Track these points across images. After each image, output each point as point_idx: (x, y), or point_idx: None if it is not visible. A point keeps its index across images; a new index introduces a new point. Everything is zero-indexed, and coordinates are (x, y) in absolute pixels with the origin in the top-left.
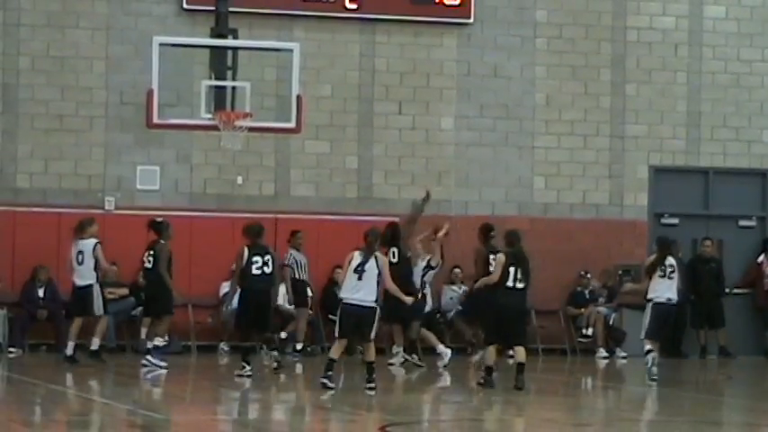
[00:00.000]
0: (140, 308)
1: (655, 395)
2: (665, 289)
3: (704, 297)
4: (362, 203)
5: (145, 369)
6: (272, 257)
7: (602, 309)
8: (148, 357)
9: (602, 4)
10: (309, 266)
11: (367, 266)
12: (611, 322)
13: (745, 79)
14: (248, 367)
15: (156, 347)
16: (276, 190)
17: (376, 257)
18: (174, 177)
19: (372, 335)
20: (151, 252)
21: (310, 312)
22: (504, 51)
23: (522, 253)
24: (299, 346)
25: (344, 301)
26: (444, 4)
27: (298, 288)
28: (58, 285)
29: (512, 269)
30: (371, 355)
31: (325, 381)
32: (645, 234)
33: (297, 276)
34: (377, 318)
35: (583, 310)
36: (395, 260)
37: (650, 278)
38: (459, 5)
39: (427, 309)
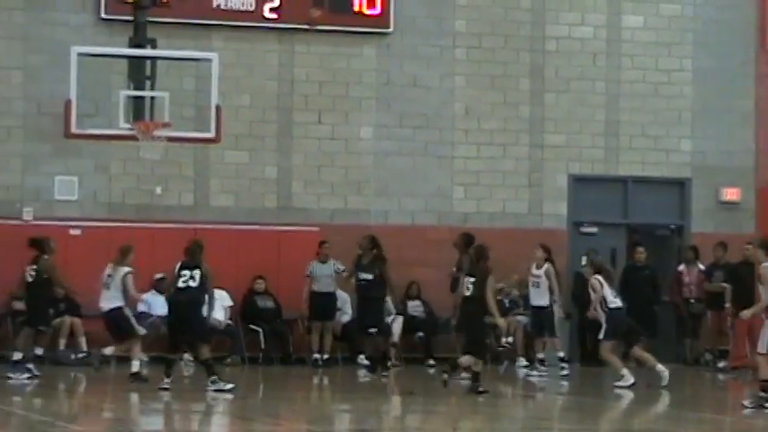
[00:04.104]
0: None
1: (568, 405)
2: None
3: (638, 305)
4: (282, 213)
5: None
6: (202, 272)
7: (521, 318)
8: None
9: (521, 14)
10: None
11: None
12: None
13: (663, 88)
14: (167, 380)
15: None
16: (195, 200)
17: None
18: (92, 188)
19: None
20: (34, 267)
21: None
22: (424, 61)
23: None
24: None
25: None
26: (363, 14)
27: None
28: None
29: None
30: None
31: None
32: (564, 243)
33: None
34: None
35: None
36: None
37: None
38: (379, 15)
39: None
